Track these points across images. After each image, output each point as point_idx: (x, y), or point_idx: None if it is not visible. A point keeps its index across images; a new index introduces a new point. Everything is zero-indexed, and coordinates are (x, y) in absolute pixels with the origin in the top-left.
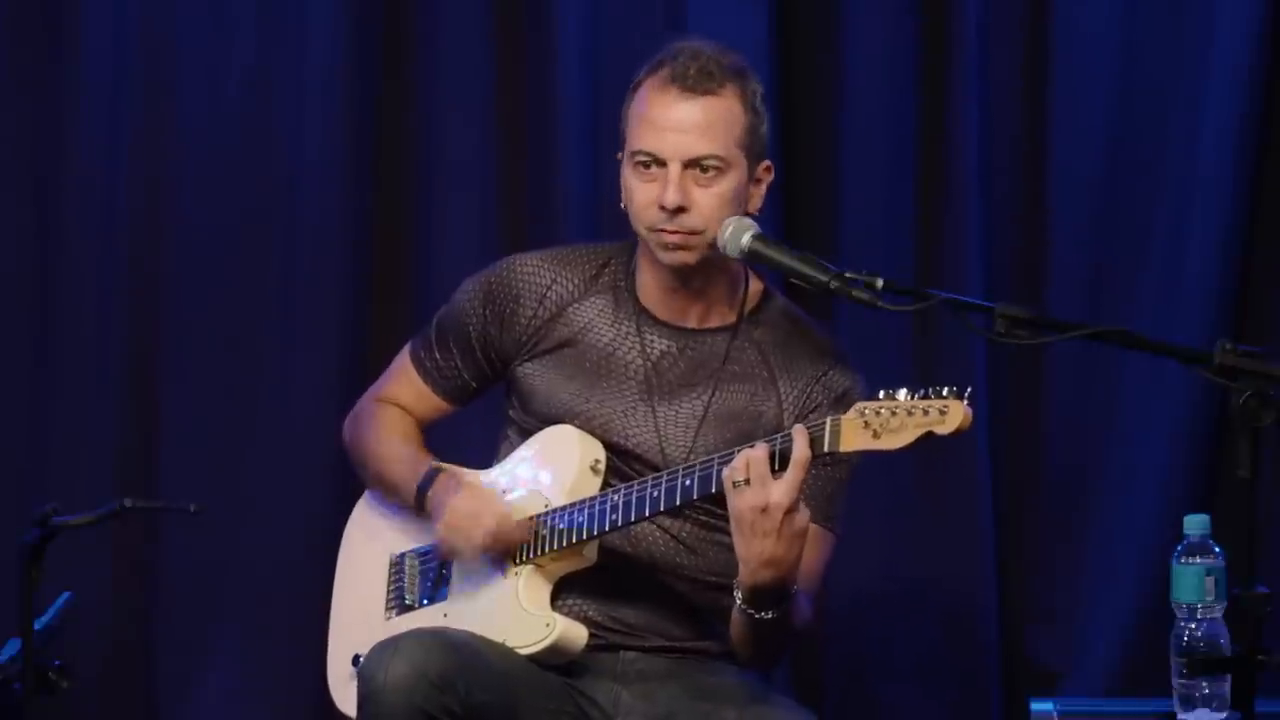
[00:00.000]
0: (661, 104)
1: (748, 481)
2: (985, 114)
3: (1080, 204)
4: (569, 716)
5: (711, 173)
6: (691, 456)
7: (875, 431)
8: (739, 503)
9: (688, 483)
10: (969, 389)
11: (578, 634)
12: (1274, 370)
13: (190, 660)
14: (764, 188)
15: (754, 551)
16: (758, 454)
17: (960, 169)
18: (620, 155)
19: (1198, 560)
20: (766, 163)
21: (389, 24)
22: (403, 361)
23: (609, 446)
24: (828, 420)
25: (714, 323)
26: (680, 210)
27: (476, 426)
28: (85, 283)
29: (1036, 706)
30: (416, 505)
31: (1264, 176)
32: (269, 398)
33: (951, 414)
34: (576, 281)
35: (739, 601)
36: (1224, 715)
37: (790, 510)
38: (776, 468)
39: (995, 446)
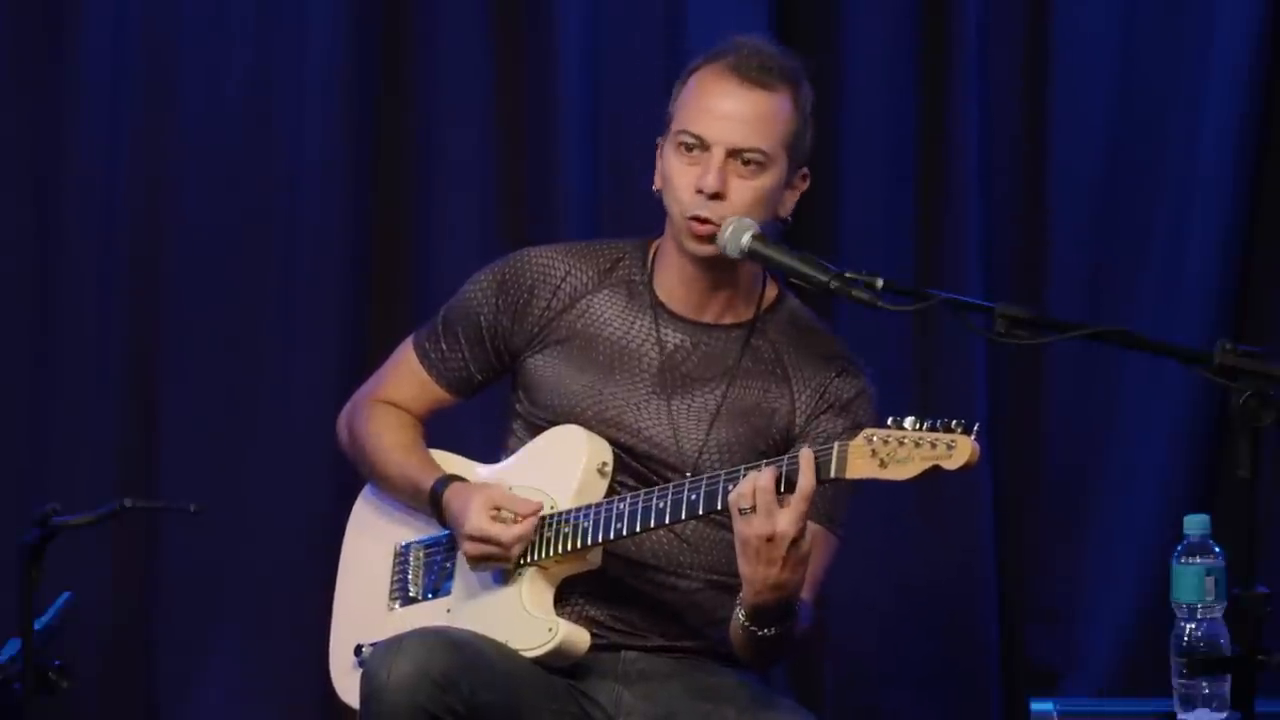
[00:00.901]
0: (717, 90)
1: (754, 509)
2: (985, 114)
3: (1080, 204)
4: (571, 717)
5: (752, 166)
6: (705, 451)
7: (882, 461)
8: (745, 530)
9: (693, 498)
10: (976, 425)
11: (580, 639)
12: (1274, 370)
13: (190, 660)
14: (798, 195)
15: (758, 576)
16: (764, 482)
17: (960, 169)
18: (660, 140)
19: (1198, 560)
20: (805, 170)
21: (389, 24)
22: (404, 354)
23: (620, 441)
24: (835, 446)
25: (729, 319)
26: (717, 196)
27: (478, 424)
28: (85, 283)
29: (1036, 706)
30: (434, 510)
31: (1264, 176)
32: (269, 398)
33: (959, 450)
34: (591, 274)
35: (741, 619)
36: (1224, 715)
37: (795, 539)
38: (782, 490)
39: (995, 446)
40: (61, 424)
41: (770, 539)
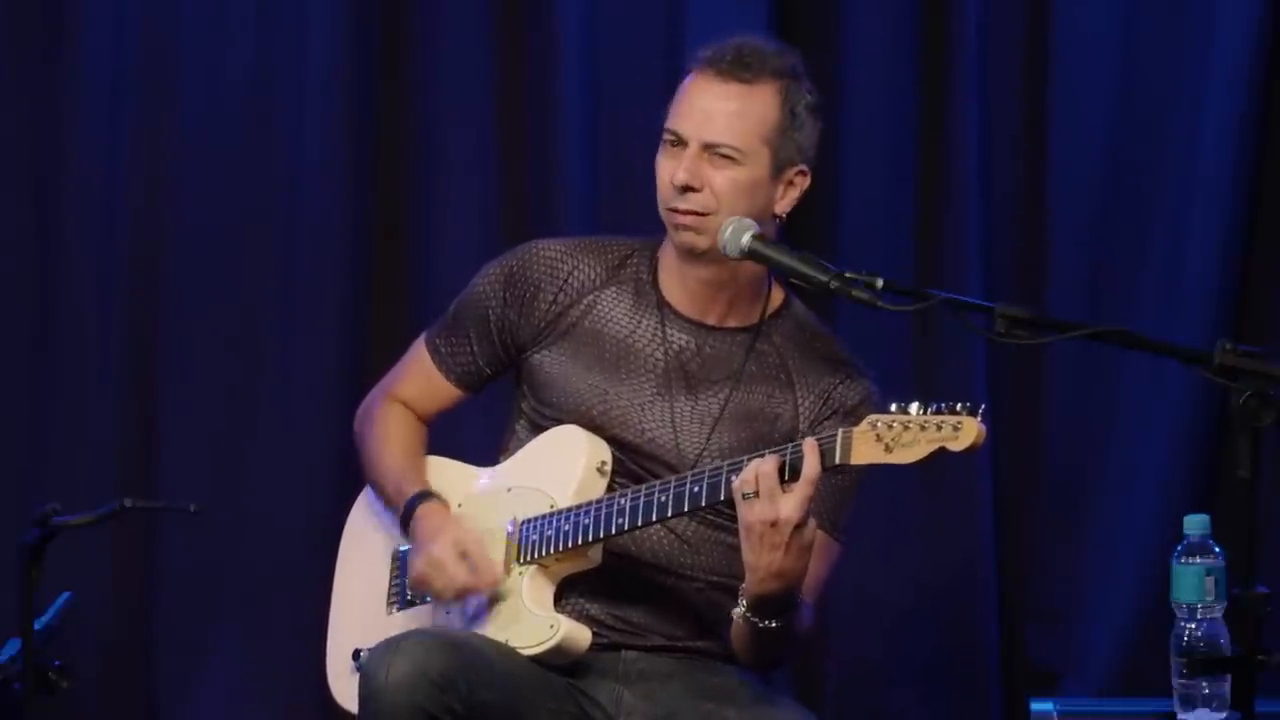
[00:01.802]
0: (695, 86)
1: (757, 494)
2: (985, 114)
3: (1080, 204)
4: (571, 716)
5: (726, 160)
6: (706, 454)
7: (887, 445)
8: (748, 515)
9: (696, 489)
10: (982, 406)
11: (581, 635)
12: (1274, 370)
13: (190, 660)
14: (796, 192)
15: (762, 563)
16: (767, 467)
17: (960, 169)
18: None
19: (1198, 560)
20: (802, 167)
21: (389, 24)
22: (417, 350)
23: (624, 440)
24: (839, 433)
25: (734, 322)
26: (689, 189)
27: (479, 425)
28: (85, 283)
29: (1036, 706)
30: (401, 515)
31: (1264, 176)
32: (269, 398)
33: (965, 431)
34: (598, 270)
35: (743, 609)
36: (1224, 715)
37: (799, 525)
38: (786, 479)
39: (995, 446)
40: (61, 424)
41: (774, 524)
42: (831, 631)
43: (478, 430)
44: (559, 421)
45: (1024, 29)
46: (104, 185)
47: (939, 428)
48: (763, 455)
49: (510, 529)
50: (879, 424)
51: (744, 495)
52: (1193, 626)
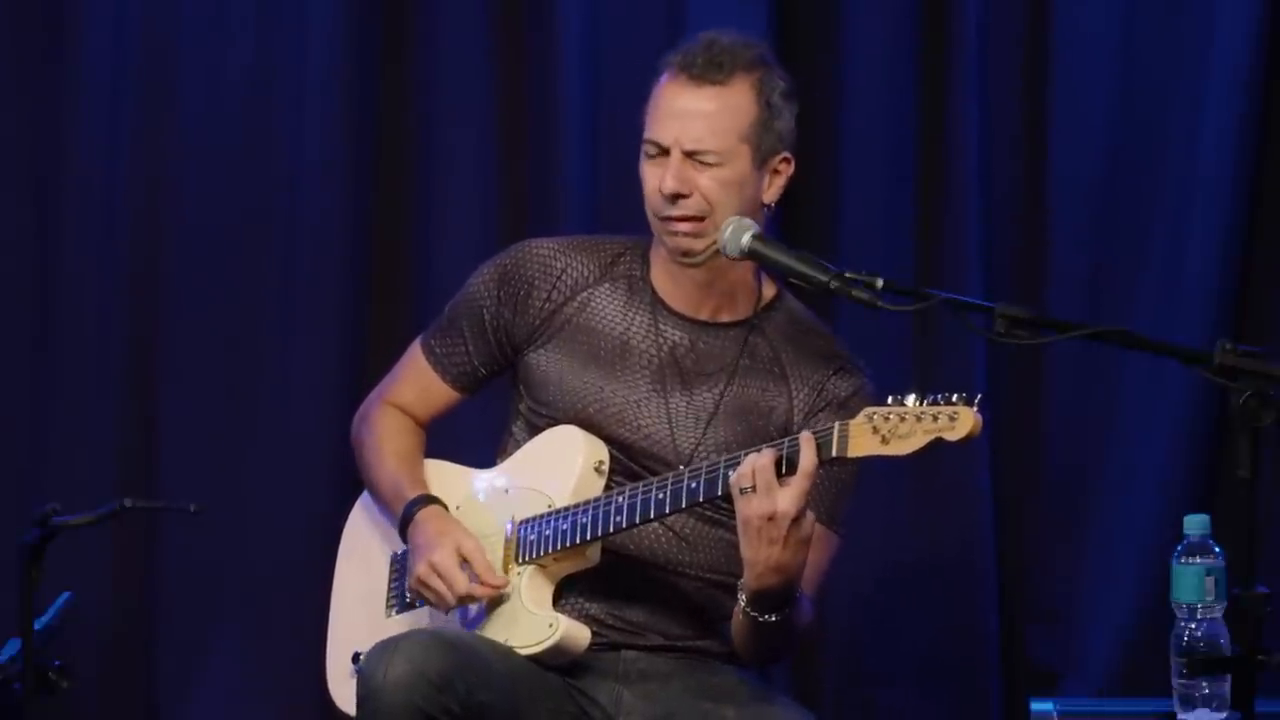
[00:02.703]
0: (668, 92)
1: (754, 489)
2: (985, 114)
3: (1080, 204)
4: (570, 716)
5: (710, 163)
6: (701, 449)
7: (884, 437)
8: (746, 509)
9: (693, 485)
10: (979, 395)
11: (581, 634)
12: (1274, 370)
13: (190, 660)
14: (783, 179)
15: (760, 557)
16: (764, 461)
17: (960, 169)
18: None
19: (1198, 560)
20: (785, 155)
21: (389, 24)
22: (413, 353)
23: (620, 437)
24: (836, 425)
25: (727, 317)
26: (680, 196)
27: (477, 427)
28: (85, 283)
29: (1036, 706)
30: (401, 518)
31: (1264, 176)
32: (269, 398)
33: (961, 420)
34: (591, 268)
35: (743, 604)
36: (1224, 715)
37: (797, 518)
38: (783, 472)
39: (995, 446)
40: (61, 424)
41: (771, 517)
42: (831, 631)
43: (475, 432)
44: (555, 420)
45: (1024, 29)
46: (104, 185)
47: (935, 418)
48: (759, 450)
49: (508, 529)
50: (875, 416)
51: (741, 490)
52: (1193, 626)
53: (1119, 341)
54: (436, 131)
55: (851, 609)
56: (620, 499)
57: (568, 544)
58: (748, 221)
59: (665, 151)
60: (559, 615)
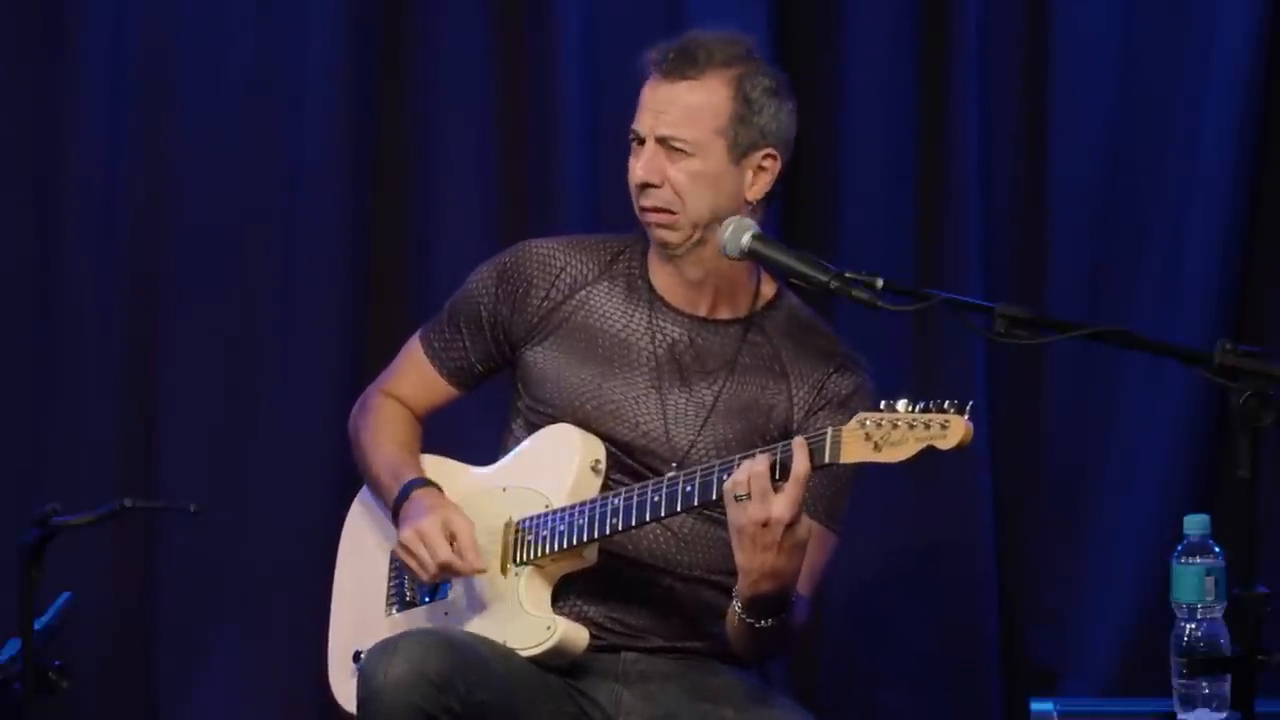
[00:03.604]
0: (648, 86)
1: (749, 495)
2: (985, 114)
3: (1080, 204)
4: (569, 717)
5: (680, 153)
6: (697, 446)
7: (876, 444)
8: (740, 517)
9: (688, 489)
10: (970, 403)
11: (579, 636)
12: (1274, 370)
13: (190, 660)
14: (769, 176)
15: (755, 564)
16: (759, 467)
17: (960, 169)
18: None
19: (1198, 560)
20: (769, 151)
21: (389, 24)
22: (411, 347)
23: (617, 433)
24: (828, 431)
25: (726, 314)
26: (650, 186)
27: (478, 425)
28: (85, 283)
29: (1036, 706)
30: (396, 497)
31: (1264, 176)
32: (269, 398)
33: (953, 429)
34: (590, 265)
35: (738, 610)
36: (1224, 715)
37: (791, 524)
38: (777, 477)
39: (995, 446)
40: (61, 424)
41: (765, 524)
42: (831, 631)
43: (476, 430)
44: (553, 418)
45: (1024, 29)
46: (104, 185)
47: (927, 426)
48: (753, 455)
49: (505, 529)
50: (869, 422)
51: (736, 497)
52: (1193, 626)
53: (1119, 341)
54: (436, 131)
55: (851, 609)
56: (616, 501)
57: (564, 546)
58: (747, 221)
59: (641, 141)
60: (557, 617)
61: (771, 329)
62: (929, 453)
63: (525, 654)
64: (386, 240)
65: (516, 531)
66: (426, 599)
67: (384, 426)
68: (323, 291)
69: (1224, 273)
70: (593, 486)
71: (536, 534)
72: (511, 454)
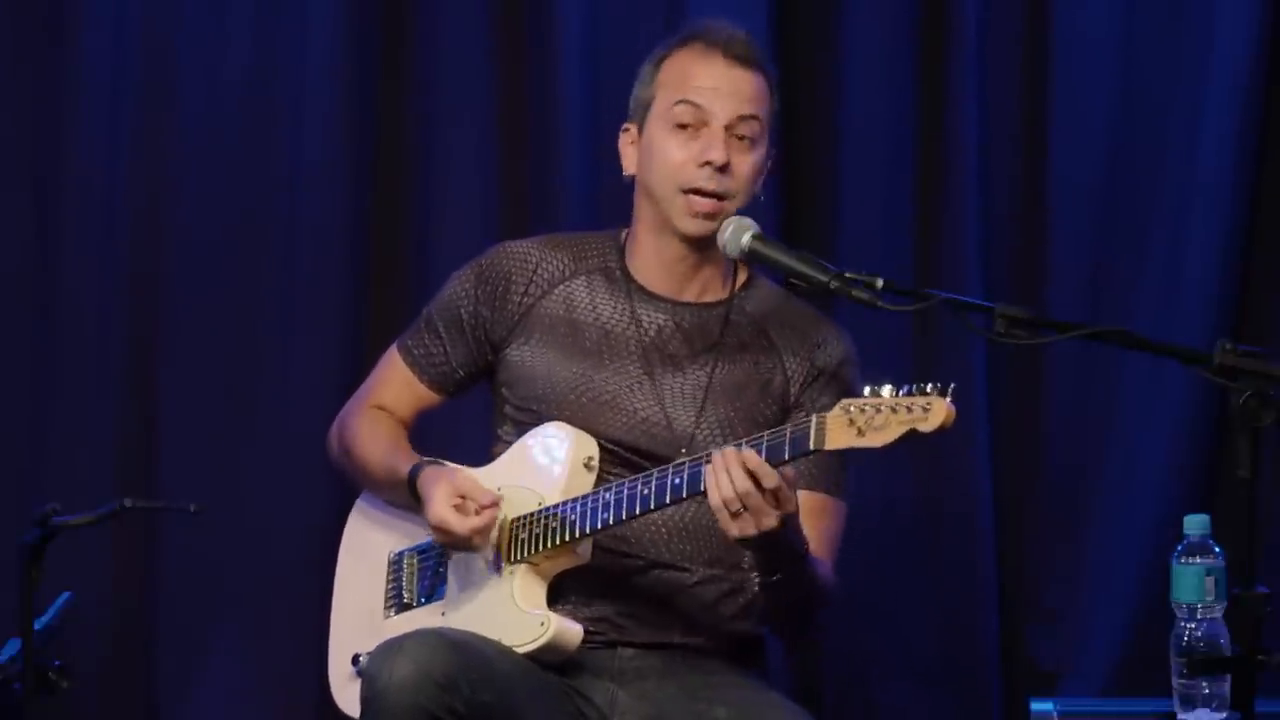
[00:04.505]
0: (710, 68)
1: (745, 509)
2: (985, 114)
3: (1080, 204)
4: (567, 717)
5: (748, 140)
6: (701, 429)
7: (860, 429)
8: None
9: (676, 481)
10: (952, 385)
11: (572, 633)
12: (1274, 370)
13: (190, 660)
14: (764, 176)
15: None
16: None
17: (960, 169)
18: (630, 126)
19: (1198, 560)
20: (773, 150)
21: (389, 24)
22: (389, 356)
23: (614, 424)
24: (813, 418)
25: (708, 297)
26: (726, 168)
27: (469, 430)
28: (85, 283)
29: (1036, 706)
30: (410, 494)
31: (1263, 179)
32: (269, 398)
33: (934, 411)
34: (565, 260)
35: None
36: (1224, 715)
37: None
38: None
39: (995, 446)
40: (61, 424)
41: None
42: (830, 629)
43: (474, 432)
44: (544, 416)
45: (1024, 29)
46: (104, 185)
47: (909, 409)
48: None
49: (499, 529)
50: (852, 408)
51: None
52: (1193, 626)
53: (1119, 341)
54: (436, 131)
55: (851, 609)
56: (606, 496)
57: (556, 542)
58: (747, 221)
59: (701, 120)
60: (550, 614)
61: (752, 307)
62: (912, 437)
63: (520, 650)
64: (386, 240)
65: (510, 530)
66: (423, 600)
67: (371, 432)
68: (323, 291)
69: (1223, 274)
70: (586, 483)
71: (529, 532)
72: (505, 454)
